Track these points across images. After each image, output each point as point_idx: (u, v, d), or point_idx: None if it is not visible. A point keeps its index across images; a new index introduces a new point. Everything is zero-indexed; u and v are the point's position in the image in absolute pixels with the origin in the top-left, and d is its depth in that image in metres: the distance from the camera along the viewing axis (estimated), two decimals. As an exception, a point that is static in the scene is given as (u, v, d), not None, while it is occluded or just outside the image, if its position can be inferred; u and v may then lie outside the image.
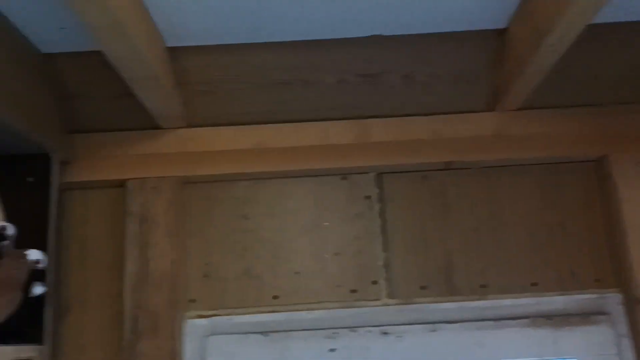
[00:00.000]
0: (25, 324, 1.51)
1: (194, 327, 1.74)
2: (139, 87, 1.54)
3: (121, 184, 1.82)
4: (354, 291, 1.76)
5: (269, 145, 1.83)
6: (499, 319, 1.74)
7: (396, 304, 1.75)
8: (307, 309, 1.75)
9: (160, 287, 1.71)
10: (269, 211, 1.85)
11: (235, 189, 1.86)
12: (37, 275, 1.53)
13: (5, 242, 1.50)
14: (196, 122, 1.84)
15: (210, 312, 1.76)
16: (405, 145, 1.84)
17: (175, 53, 1.67)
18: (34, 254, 1.42)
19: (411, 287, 1.77)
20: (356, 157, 1.83)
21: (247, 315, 1.75)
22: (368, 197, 1.85)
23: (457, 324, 1.73)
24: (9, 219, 1.61)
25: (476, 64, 1.76)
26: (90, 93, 1.78)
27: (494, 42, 1.70)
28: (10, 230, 1.48)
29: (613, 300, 1.77)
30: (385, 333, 1.70)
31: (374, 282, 1.77)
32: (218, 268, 1.80)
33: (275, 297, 1.76)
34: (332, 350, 1.70)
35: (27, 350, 1.49)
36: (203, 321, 1.74)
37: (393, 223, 1.83)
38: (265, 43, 1.68)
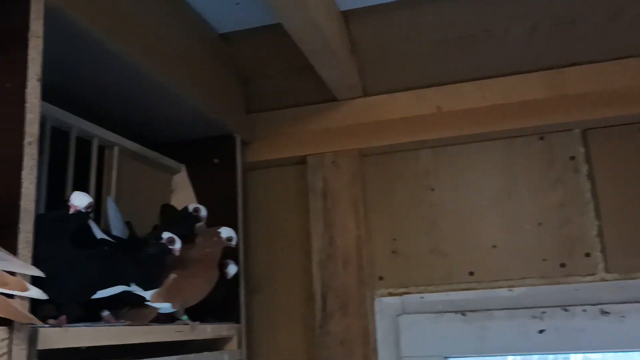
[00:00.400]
0: (222, 303, 1.53)
1: (385, 306, 1.65)
2: (315, 58, 1.47)
3: (301, 161, 1.79)
4: (563, 265, 1.55)
5: (451, 108, 1.68)
6: None
7: (615, 279, 1.51)
8: (508, 286, 1.57)
9: (347, 264, 1.65)
10: (455, 181, 1.69)
11: (417, 158, 1.74)
12: (229, 254, 1.54)
13: (199, 224, 1.53)
14: (372, 90, 1.74)
15: (400, 290, 1.66)
16: (612, 95, 1.57)
17: (348, 17, 1.58)
18: (226, 232, 1.42)
19: (631, 259, 1.52)
20: (554, 113, 1.60)
21: (440, 293, 1.62)
22: (572, 158, 1.61)
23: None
24: (199, 200, 1.65)
25: None
26: (265, 71, 1.76)
27: None
28: (203, 211, 1.50)
29: None
30: (606, 312, 1.47)
31: (587, 255, 1.54)
32: (405, 244, 1.69)
33: (470, 274, 1.61)
34: (541, 331, 1.51)
35: (225, 328, 1.51)
36: (394, 299, 1.65)
37: (604, 186, 1.57)
38: (443, -6, 1.53)
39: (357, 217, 1.68)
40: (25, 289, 0.84)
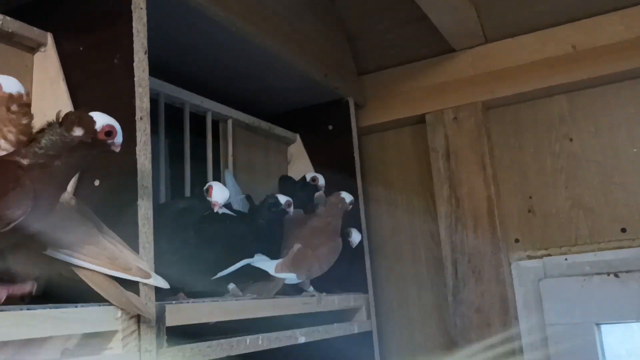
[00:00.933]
0: (347, 274, 1.47)
1: (523, 270, 1.51)
2: (429, 5, 1.35)
3: (419, 120, 1.67)
4: None
5: (589, 45, 1.47)
6: None
7: None
8: (672, 242, 1.38)
9: (478, 227, 1.53)
10: (596, 127, 1.50)
11: (549, 106, 1.56)
12: (351, 223, 1.48)
13: (317, 193, 1.48)
14: (493, 36, 1.58)
15: (540, 253, 1.51)
16: None
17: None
18: (348, 196, 1.35)
19: None
20: None
21: (587, 254, 1.45)
22: None
23: None
24: (316, 169, 1.60)
25: None
26: (374, 27, 1.65)
27: None
28: (321, 180, 1.45)
29: None
30: None
31: None
32: (542, 201, 1.53)
33: (622, 230, 1.43)
34: None
35: (353, 299, 1.45)
36: (533, 263, 1.50)
37: None
38: None
39: (485, 176, 1.54)
40: (148, 277, 0.82)
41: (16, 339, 0.73)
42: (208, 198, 1.03)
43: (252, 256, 1.15)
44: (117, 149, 0.77)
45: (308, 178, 1.45)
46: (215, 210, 1.02)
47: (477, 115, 1.58)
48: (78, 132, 0.73)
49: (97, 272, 0.80)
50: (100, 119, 0.74)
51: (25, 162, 0.71)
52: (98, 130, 0.74)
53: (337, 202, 1.35)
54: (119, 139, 0.76)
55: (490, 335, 1.47)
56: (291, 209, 1.19)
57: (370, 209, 1.71)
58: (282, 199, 1.19)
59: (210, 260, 1.06)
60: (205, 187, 1.04)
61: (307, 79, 1.48)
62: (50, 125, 0.73)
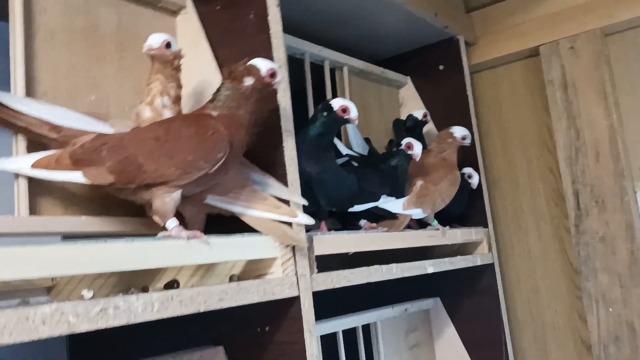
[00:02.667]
0: (465, 209, 1.52)
1: (650, 197, 1.48)
2: None
3: (533, 53, 1.65)
4: None
5: None
6: None
7: None
8: None
9: (599, 157, 1.51)
10: None
11: (675, 26, 1.49)
12: (468, 162, 1.51)
13: (426, 129, 1.53)
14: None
15: (668, 178, 1.47)
16: None
17: None
18: (459, 131, 1.39)
19: None
20: None
21: None
22: None
23: None
24: (428, 110, 1.63)
25: None
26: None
27: None
28: (429, 116, 1.49)
29: None
30: None
31: None
32: (669, 126, 1.48)
33: None
34: None
35: (474, 232, 1.50)
36: (661, 189, 1.47)
37: None
38: None
39: (607, 105, 1.51)
40: (295, 215, 0.91)
41: (195, 263, 0.85)
42: (345, 117, 1.06)
43: (377, 199, 1.22)
44: (277, 86, 0.88)
45: (419, 116, 1.48)
46: (352, 121, 1.06)
47: (595, 43, 1.54)
48: (249, 81, 0.83)
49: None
50: (263, 64, 0.84)
51: (214, 113, 0.83)
52: (264, 75, 0.84)
53: (446, 136, 1.39)
54: (279, 77, 0.87)
55: (616, 263, 1.47)
56: (414, 152, 1.24)
57: (486, 146, 1.73)
58: (403, 141, 1.24)
59: (343, 198, 1.13)
60: (337, 107, 1.06)
61: (417, 19, 1.49)
62: (222, 83, 0.84)
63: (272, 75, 0.86)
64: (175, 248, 0.76)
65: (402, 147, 1.24)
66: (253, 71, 0.85)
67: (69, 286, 1.13)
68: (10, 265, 0.60)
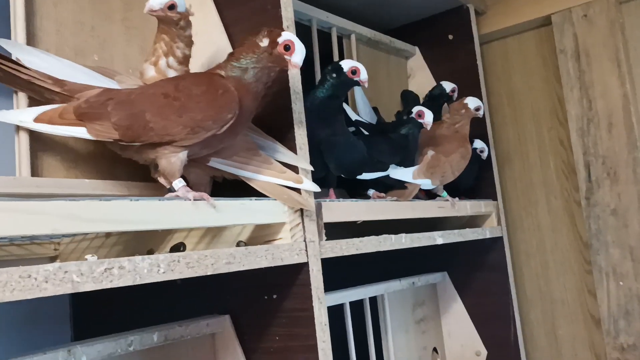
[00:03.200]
0: (475, 182, 1.49)
1: (664, 169, 1.45)
2: None
3: (545, 22, 1.61)
4: None
5: None
6: None
7: None
8: None
9: (613, 127, 1.47)
10: None
11: (693, -7, 1.44)
12: (477, 133, 1.48)
13: (443, 102, 1.49)
14: None
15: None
16: None
17: None
18: (473, 102, 1.35)
19: None
20: None
21: None
22: None
23: None
24: (437, 81, 1.60)
25: None
26: None
27: None
28: (456, 93, 1.46)
29: None
30: None
31: None
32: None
33: None
34: None
35: (483, 205, 1.47)
36: (675, 161, 1.44)
37: None
38: None
39: (620, 73, 1.47)
40: (300, 182, 0.88)
41: (207, 225, 0.83)
42: (355, 78, 1.03)
43: (387, 169, 1.20)
44: (293, 68, 0.83)
45: (448, 89, 1.45)
46: (362, 82, 1.04)
47: (609, 10, 1.50)
48: (265, 42, 0.80)
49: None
50: (283, 35, 0.81)
51: (224, 74, 0.80)
52: (280, 42, 0.80)
53: (459, 107, 1.35)
54: (296, 57, 0.82)
55: (628, 236, 1.45)
56: (425, 120, 1.21)
57: (495, 118, 1.69)
58: (414, 109, 1.21)
59: (353, 163, 1.10)
60: (347, 69, 1.03)
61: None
62: (242, 44, 0.81)
63: (286, 47, 0.82)
64: (182, 209, 0.73)
65: (413, 115, 1.21)
66: (273, 34, 0.81)
67: (73, 255, 1.12)
68: (12, 219, 0.57)
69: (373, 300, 1.33)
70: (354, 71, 1.02)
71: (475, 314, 1.55)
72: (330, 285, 0.97)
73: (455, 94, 1.44)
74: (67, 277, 0.59)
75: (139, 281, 0.66)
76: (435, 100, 1.44)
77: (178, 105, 0.75)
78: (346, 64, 1.03)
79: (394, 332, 1.37)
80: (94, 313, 1.15)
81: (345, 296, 1.22)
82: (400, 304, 1.43)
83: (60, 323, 1.20)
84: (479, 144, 1.47)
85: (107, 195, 0.86)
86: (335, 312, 1.20)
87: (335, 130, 1.03)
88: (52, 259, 1.13)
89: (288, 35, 0.82)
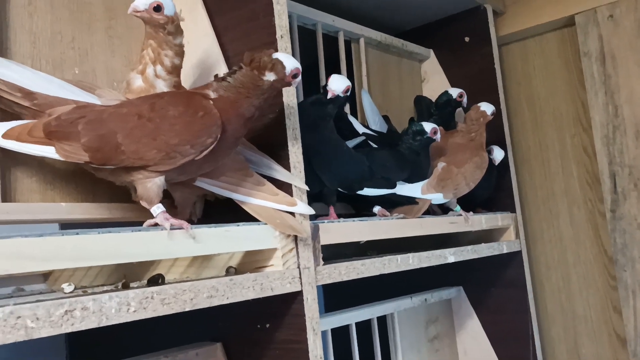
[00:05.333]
0: (492, 192, 1.41)
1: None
2: None
3: (568, 23, 1.51)
4: None
5: None
6: None
7: None
8: None
9: (639, 135, 1.38)
10: None
11: None
12: (493, 140, 1.39)
13: (458, 110, 1.41)
14: None
15: None
16: None
17: None
18: (488, 108, 1.26)
19: None
20: None
21: None
22: None
23: None
24: (453, 86, 1.51)
25: None
26: None
27: None
28: (465, 97, 1.37)
29: None
30: None
31: None
32: None
33: None
34: None
35: (500, 218, 1.39)
36: None
37: None
38: None
39: (649, 78, 1.37)
40: (294, 204, 0.82)
41: (184, 256, 0.77)
42: (327, 87, 0.96)
43: (394, 187, 1.12)
44: (295, 86, 0.80)
45: (455, 94, 1.36)
46: (328, 97, 0.96)
47: (637, 10, 1.40)
48: (270, 76, 0.74)
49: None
50: (289, 63, 0.75)
51: (213, 94, 0.73)
52: (287, 74, 0.74)
53: (477, 116, 1.26)
54: (299, 77, 0.78)
55: (657, 252, 1.35)
56: (438, 136, 1.13)
57: (514, 124, 1.60)
58: (428, 126, 1.13)
59: (353, 169, 1.03)
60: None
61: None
62: (240, 67, 0.74)
63: (295, 75, 0.77)
64: (158, 239, 0.67)
65: (428, 135, 1.12)
66: (278, 68, 0.74)
67: (66, 272, 1.07)
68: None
69: (382, 318, 1.26)
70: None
71: (492, 332, 1.47)
72: (334, 302, 0.90)
73: (464, 99, 1.35)
74: (20, 324, 0.53)
75: (105, 322, 0.60)
76: (444, 108, 1.35)
77: (152, 127, 0.69)
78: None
79: (404, 352, 1.30)
80: (88, 340, 1.11)
81: (350, 317, 1.15)
82: (411, 321, 1.36)
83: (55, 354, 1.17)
84: (492, 150, 1.37)
85: (87, 220, 0.81)
86: (340, 332, 1.14)
87: (323, 137, 0.96)
88: (45, 276, 1.08)
89: (291, 63, 0.76)
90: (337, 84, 0.95)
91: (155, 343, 0.95)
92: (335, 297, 0.88)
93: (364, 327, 1.20)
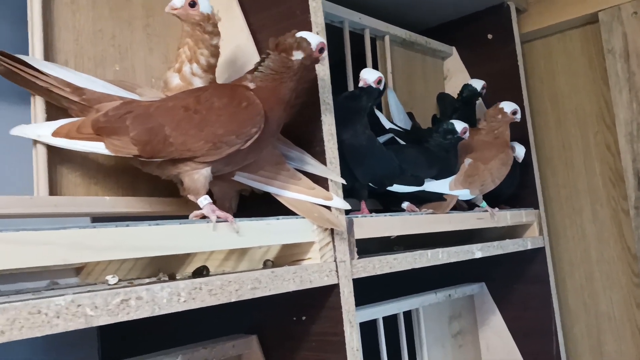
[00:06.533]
0: (515, 189, 1.41)
1: None
2: None
3: (591, 20, 1.51)
4: None
5: None
6: None
7: None
8: None
9: (665, 133, 1.38)
10: None
11: None
12: (515, 137, 1.40)
13: (478, 102, 1.42)
14: None
15: None
16: None
17: None
18: (509, 106, 1.27)
19: None
20: None
21: None
22: None
23: None
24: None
25: None
26: None
27: None
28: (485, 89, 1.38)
29: None
30: None
31: None
32: None
33: None
34: None
35: (524, 214, 1.40)
36: None
37: None
38: None
39: (676, 75, 1.37)
40: (330, 199, 0.83)
41: (227, 248, 0.78)
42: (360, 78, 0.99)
43: (422, 184, 1.13)
44: (323, 61, 0.82)
45: (479, 87, 1.37)
46: (359, 85, 0.99)
47: (662, 7, 1.40)
48: (298, 55, 0.76)
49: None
50: (313, 39, 0.77)
51: (252, 85, 0.75)
52: (314, 50, 0.76)
53: (495, 113, 1.28)
54: (326, 52, 0.80)
55: (682, 249, 1.35)
56: (466, 135, 1.15)
57: (537, 122, 1.61)
58: (459, 126, 1.14)
59: (384, 165, 1.04)
60: None
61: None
62: (267, 54, 0.76)
63: (321, 50, 0.79)
64: (203, 232, 0.69)
65: (459, 134, 1.13)
66: (303, 45, 0.76)
67: (98, 267, 1.09)
68: (19, 251, 0.53)
69: (407, 312, 1.27)
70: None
71: (515, 328, 1.47)
72: (361, 297, 0.92)
73: (484, 90, 1.37)
74: (80, 312, 0.55)
75: (157, 312, 0.61)
76: (469, 101, 1.37)
77: (199, 118, 0.70)
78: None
79: (429, 347, 1.31)
80: (120, 333, 1.12)
81: (378, 311, 1.16)
82: (435, 317, 1.37)
83: (88, 347, 1.19)
84: (514, 147, 1.37)
85: (130, 213, 0.83)
86: (366, 327, 1.15)
87: (357, 132, 0.97)
88: (78, 270, 1.10)
89: (316, 38, 0.78)
90: (369, 74, 0.97)
91: (189, 336, 0.97)
92: (361, 292, 0.90)
93: (389, 322, 1.21)
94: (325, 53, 0.80)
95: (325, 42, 0.79)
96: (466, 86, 1.38)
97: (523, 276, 1.46)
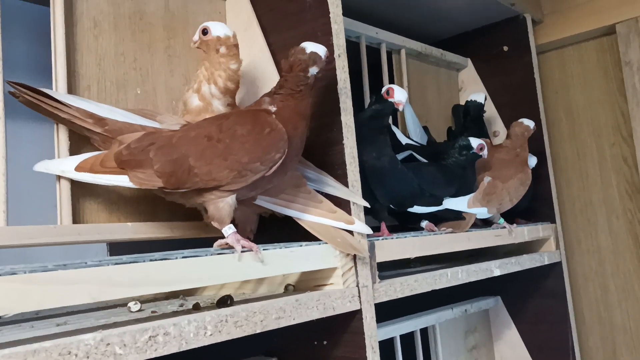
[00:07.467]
0: (530, 203, 1.40)
1: None
2: None
3: (608, 31, 1.50)
4: None
5: None
6: None
7: None
8: None
9: (684, 147, 1.37)
10: None
11: None
12: (534, 150, 1.39)
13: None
14: None
15: None
16: None
17: None
18: (530, 123, 1.26)
19: None
20: None
21: None
22: None
23: None
24: (491, 95, 1.52)
25: None
26: None
27: None
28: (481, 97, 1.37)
29: None
30: None
31: None
32: None
33: None
34: None
35: (541, 229, 1.39)
36: None
37: None
38: None
39: (691, 88, 1.36)
40: (352, 223, 0.83)
41: (253, 278, 0.78)
42: (390, 100, 0.98)
43: (441, 204, 1.12)
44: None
45: (482, 99, 1.36)
46: (399, 109, 0.99)
47: (680, 20, 1.39)
48: (314, 70, 0.76)
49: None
50: (321, 50, 0.78)
51: (273, 108, 0.75)
52: (324, 60, 0.76)
53: (522, 130, 1.26)
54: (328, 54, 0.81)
55: (701, 265, 1.34)
56: (484, 153, 1.13)
57: (552, 133, 1.60)
58: (475, 142, 1.13)
59: (401, 192, 1.04)
60: (384, 90, 1.00)
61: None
62: (284, 77, 0.76)
63: (327, 57, 0.80)
64: (227, 263, 0.68)
65: (474, 150, 1.12)
66: (317, 60, 0.77)
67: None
68: (47, 292, 0.53)
69: (423, 329, 1.27)
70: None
71: (530, 342, 1.47)
72: (376, 314, 0.91)
73: (486, 100, 1.37)
74: (109, 351, 0.55)
75: (184, 347, 0.61)
76: (478, 117, 1.36)
77: (222, 147, 0.70)
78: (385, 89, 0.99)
79: (445, 362, 1.31)
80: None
81: (395, 329, 1.16)
82: (451, 332, 1.36)
83: None
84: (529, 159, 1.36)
85: (151, 239, 0.82)
86: (382, 344, 1.14)
87: (381, 153, 0.97)
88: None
89: (322, 49, 0.79)
90: (401, 95, 0.97)
91: (210, 356, 0.96)
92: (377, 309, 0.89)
93: (402, 337, 1.20)
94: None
95: (325, 48, 0.79)
96: (471, 103, 1.37)
97: (539, 290, 1.45)
